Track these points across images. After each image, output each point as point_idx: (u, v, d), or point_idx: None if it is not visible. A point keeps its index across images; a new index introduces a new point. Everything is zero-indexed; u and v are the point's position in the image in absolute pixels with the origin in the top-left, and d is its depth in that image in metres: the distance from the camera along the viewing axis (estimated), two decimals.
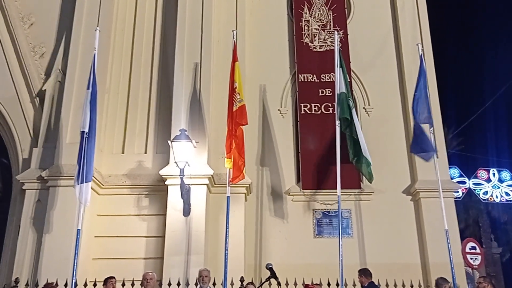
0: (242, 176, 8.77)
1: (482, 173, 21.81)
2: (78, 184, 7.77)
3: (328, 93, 11.01)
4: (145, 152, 9.97)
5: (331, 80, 10.86)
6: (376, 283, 8.02)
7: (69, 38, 10.23)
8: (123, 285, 7.62)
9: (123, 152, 10.02)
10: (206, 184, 9.19)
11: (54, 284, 7.53)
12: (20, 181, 9.45)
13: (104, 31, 9.79)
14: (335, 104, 9.14)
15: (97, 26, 9.35)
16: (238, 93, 8.87)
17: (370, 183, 9.62)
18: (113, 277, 7.65)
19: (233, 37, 9.49)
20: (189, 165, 8.75)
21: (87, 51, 9.66)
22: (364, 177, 10.01)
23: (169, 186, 9.14)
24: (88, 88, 8.33)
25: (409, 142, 10.74)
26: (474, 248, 11.37)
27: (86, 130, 8.01)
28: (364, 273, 8.03)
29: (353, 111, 9.05)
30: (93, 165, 8.12)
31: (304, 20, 11.78)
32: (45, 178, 9.15)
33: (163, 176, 9.21)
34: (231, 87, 8.97)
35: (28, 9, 10.92)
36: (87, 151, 7.90)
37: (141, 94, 10.39)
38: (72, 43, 10.12)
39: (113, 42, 10.57)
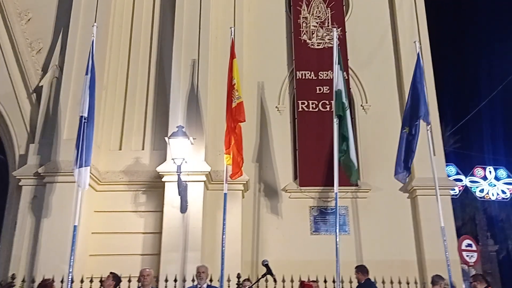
0: (241, 172, 8.79)
1: (478, 171, 21.82)
2: (77, 168, 7.83)
3: (326, 90, 11.01)
4: (143, 149, 9.98)
5: (329, 77, 10.88)
6: (372, 279, 8.05)
7: (67, 34, 10.21)
8: (120, 281, 7.60)
9: (120, 149, 10.03)
10: (203, 181, 9.19)
11: (51, 280, 7.51)
12: (17, 177, 9.44)
13: (102, 27, 9.78)
14: (333, 101, 9.13)
15: (95, 22, 9.33)
16: (237, 90, 8.87)
17: (354, 183, 9.54)
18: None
19: (231, 34, 9.48)
20: (186, 162, 8.76)
21: (84, 47, 9.62)
22: (360, 175, 10.11)
23: (166, 183, 9.15)
24: (86, 74, 8.37)
25: None
26: (470, 245, 11.37)
27: (85, 115, 8.08)
28: (361, 269, 8.07)
29: (347, 111, 8.97)
30: (92, 150, 8.15)
31: (302, 17, 11.76)
32: (41, 174, 9.15)
33: (160, 173, 9.21)
34: (230, 84, 8.96)
35: (25, 5, 10.88)
36: (86, 136, 7.96)
37: (138, 91, 10.39)
38: (69, 39, 10.10)
39: (111, 38, 10.54)
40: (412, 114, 9.04)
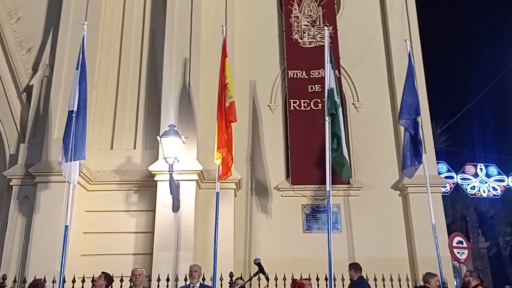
0: (230, 173, 8.76)
1: (469, 168, 22.02)
2: (66, 162, 7.76)
3: (317, 89, 11.04)
4: (134, 148, 9.94)
5: (320, 76, 10.90)
6: (364, 277, 8.08)
7: (57, 32, 10.14)
8: (111, 281, 7.58)
9: (111, 148, 9.98)
10: (196, 180, 9.18)
11: (42, 280, 7.48)
12: (7, 177, 9.38)
13: (92, 25, 9.72)
14: (325, 100, 9.15)
15: (85, 21, 9.25)
16: (228, 90, 8.86)
17: (346, 181, 9.55)
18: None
19: (223, 33, 9.45)
20: (178, 161, 8.74)
21: (74, 46, 9.56)
22: (352, 173, 10.18)
23: (158, 182, 9.12)
24: (77, 69, 8.32)
25: (398, 137, 10.82)
26: (461, 242, 11.51)
27: (75, 109, 8.01)
28: (354, 267, 8.08)
29: (339, 109, 8.99)
30: (85, 143, 8.07)
31: (294, 16, 11.77)
32: (32, 174, 9.09)
33: (152, 172, 9.18)
34: (222, 83, 8.93)
35: (15, 3, 10.80)
36: (76, 130, 7.90)
37: (129, 90, 10.34)
38: (59, 38, 10.03)
39: (101, 37, 10.48)
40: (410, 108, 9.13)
